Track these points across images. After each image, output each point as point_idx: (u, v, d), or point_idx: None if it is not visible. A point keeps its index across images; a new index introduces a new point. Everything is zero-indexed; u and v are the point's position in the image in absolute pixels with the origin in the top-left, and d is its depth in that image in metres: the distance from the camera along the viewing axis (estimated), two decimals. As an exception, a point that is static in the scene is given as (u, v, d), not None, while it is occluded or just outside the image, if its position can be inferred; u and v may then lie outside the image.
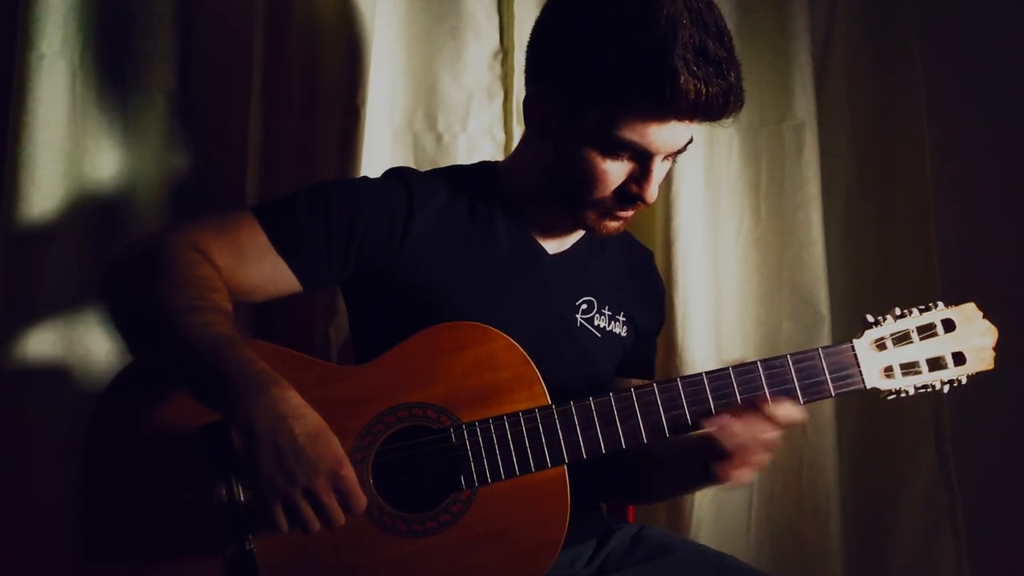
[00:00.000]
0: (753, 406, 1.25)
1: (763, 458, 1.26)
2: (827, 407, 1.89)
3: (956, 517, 1.98)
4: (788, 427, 1.26)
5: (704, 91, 1.21)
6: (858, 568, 1.99)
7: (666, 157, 1.31)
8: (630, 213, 1.35)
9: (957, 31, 2.10)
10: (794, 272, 1.92)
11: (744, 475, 1.27)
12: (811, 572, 1.89)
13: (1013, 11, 2.09)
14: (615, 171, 1.30)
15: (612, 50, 1.23)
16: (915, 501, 1.99)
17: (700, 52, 1.21)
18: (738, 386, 1.26)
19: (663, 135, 1.26)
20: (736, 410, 1.25)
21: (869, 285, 2.02)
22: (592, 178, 1.30)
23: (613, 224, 1.36)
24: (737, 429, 1.24)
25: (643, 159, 1.29)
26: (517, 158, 1.46)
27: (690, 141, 1.31)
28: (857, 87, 2.03)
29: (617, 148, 1.27)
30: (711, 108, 1.24)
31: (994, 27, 2.10)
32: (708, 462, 1.27)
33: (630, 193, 1.31)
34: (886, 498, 2.01)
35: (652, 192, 1.31)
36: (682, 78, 1.20)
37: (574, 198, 1.34)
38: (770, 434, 1.25)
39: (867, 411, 2.00)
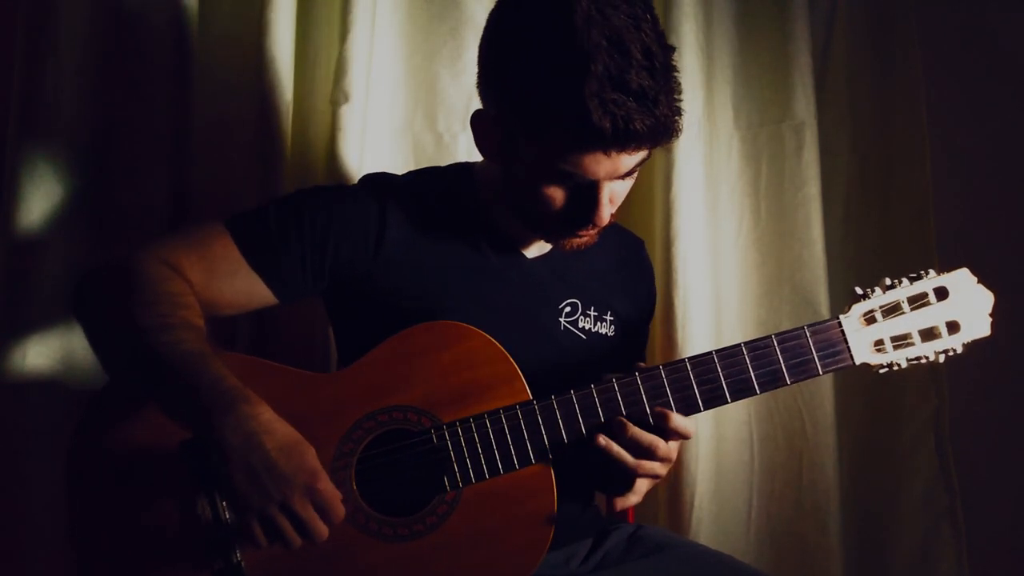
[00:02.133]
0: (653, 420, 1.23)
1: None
2: (828, 407, 1.88)
3: (956, 517, 1.97)
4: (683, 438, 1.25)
5: (622, 126, 1.15)
6: (858, 568, 1.99)
7: (616, 179, 1.25)
8: (593, 231, 1.31)
9: (957, 31, 2.10)
10: (794, 272, 1.91)
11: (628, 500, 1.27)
12: (811, 572, 1.88)
13: (1013, 11, 2.09)
14: (560, 197, 1.26)
15: (535, 82, 1.19)
16: (915, 501, 1.99)
17: (618, 85, 1.14)
18: (722, 370, 1.25)
19: (600, 165, 1.21)
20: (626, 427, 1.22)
21: (869, 285, 2.01)
22: (540, 202, 1.27)
23: (578, 241, 1.33)
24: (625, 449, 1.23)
25: (587, 186, 1.24)
26: (489, 165, 1.44)
27: (645, 158, 1.25)
28: (857, 87, 2.02)
29: (557, 178, 1.24)
30: (640, 139, 1.18)
31: (994, 27, 2.10)
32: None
33: (582, 217, 1.27)
34: (886, 498, 2.01)
35: (603, 216, 1.26)
36: (595, 116, 1.14)
37: (529, 218, 1.32)
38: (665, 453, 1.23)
39: (867, 411, 2.00)
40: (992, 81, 2.10)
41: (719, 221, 1.93)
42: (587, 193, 1.25)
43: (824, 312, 1.90)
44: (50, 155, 1.53)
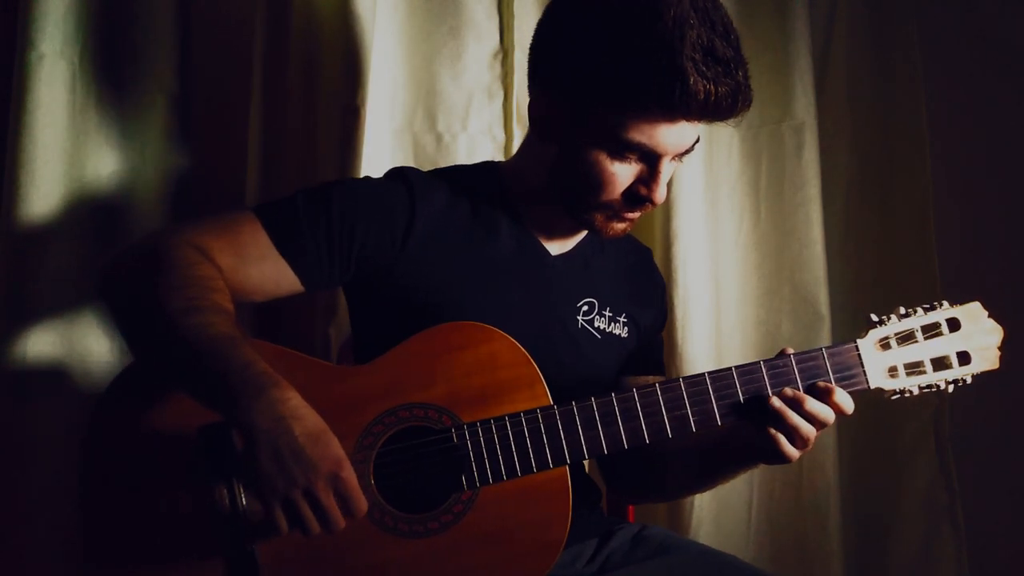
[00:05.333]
0: (820, 393, 1.25)
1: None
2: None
3: (956, 517, 1.98)
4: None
5: (713, 91, 1.21)
6: (858, 568, 1.99)
7: (674, 158, 1.30)
8: (637, 215, 1.35)
9: (957, 31, 2.11)
10: (794, 272, 1.91)
11: (793, 452, 1.25)
12: (811, 572, 1.89)
13: (1013, 11, 2.09)
14: (623, 173, 1.29)
15: (619, 52, 1.22)
16: (915, 501, 1.99)
17: (708, 52, 1.20)
18: (741, 386, 1.26)
19: (671, 136, 1.26)
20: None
21: (869, 285, 2.02)
22: (600, 181, 1.30)
23: (620, 226, 1.36)
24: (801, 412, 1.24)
25: (651, 161, 1.28)
26: (521, 158, 1.46)
27: (697, 140, 1.30)
28: (857, 87, 2.03)
29: (625, 150, 1.27)
30: (720, 108, 1.24)
31: (994, 27, 2.10)
32: (749, 442, 1.28)
33: (638, 195, 1.31)
34: (886, 498, 2.01)
35: (661, 193, 1.30)
36: (692, 79, 1.19)
37: (580, 201, 1.33)
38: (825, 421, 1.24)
39: (867, 412, 1.99)
40: (992, 81, 2.10)
41: (719, 221, 1.93)
42: (648, 170, 1.29)
43: (824, 312, 1.90)
44: (50, 154, 1.53)
